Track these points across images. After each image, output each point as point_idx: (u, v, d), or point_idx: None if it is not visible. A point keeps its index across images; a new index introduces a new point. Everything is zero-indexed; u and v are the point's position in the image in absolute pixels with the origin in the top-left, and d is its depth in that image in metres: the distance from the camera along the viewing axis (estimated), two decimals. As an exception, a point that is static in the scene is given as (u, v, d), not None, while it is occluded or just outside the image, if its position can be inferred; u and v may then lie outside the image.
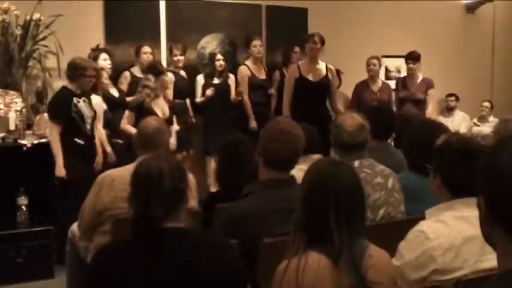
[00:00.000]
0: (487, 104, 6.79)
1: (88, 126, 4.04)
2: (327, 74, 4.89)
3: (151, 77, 4.37)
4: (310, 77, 4.83)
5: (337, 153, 2.52)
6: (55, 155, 3.89)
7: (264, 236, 1.96)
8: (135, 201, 1.67)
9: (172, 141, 4.37)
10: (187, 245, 1.64)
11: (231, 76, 5.44)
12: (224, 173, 2.66)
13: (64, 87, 4.01)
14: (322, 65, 4.91)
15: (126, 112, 4.34)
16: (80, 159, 3.95)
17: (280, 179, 2.16)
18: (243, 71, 5.48)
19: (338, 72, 5.94)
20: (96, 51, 4.71)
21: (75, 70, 3.96)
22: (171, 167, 1.67)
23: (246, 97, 5.43)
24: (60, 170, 3.87)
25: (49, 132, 3.99)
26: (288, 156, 2.15)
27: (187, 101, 5.33)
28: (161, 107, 4.44)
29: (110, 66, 4.70)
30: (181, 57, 5.24)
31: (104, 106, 4.48)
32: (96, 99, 4.32)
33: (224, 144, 2.79)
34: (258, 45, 5.47)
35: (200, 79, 5.36)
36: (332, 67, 4.99)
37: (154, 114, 4.12)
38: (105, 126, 4.49)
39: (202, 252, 1.64)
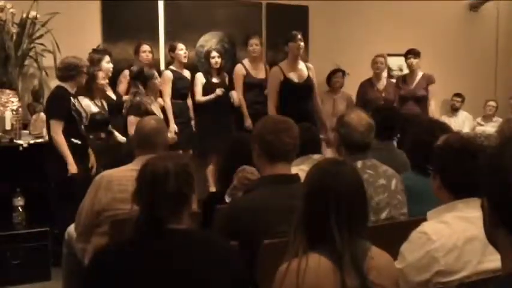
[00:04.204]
0: (492, 103, 6.73)
1: (83, 126, 4.02)
2: (309, 74, 4.85)
3: (139, 84, 4.36)
4: (295, 79, 4.79)
5: (342, 151, 2.50)
6: (63, 152, 3.80)
7: (266, 232, 1.94)
8: (140, 200, 1.67)
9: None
10: (188, 246, 1.64)
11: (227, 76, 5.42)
12: (227, 172, 2.61)
13: (60, 87, 3.96)
14: (302, 65, 4.86)
15: (133, 118, 4.19)
16: (77, 159, 3.90)
17: (283, 174, 2.14)
18: (238, 70, 5.44)
19: (343, 73, 5.92)
20: (99, 53, 4.62)
21: (71, 70, 3.93)
22: (177, 168, 1.66)
23: (240, 96, 5.37)
24: (73, 167, 3.80)
25: (52, 131, 3.90)
26: (289, 143, 2.14)
27: (189, 101, 5.30)
28: (156, 109, 4.44)
29: (111, 69, 4.66)
30: (186, 52, 5.18)
31: (94, 109, 4.35)
32: (85, 101, 4.25)
33: (229, 143, 2.75)
34: (254, 44, 5.41)
35: (200, 77, 5.32)
36: (311, 66, 4.95)
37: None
38: (100, 128, 4.41)
39: (203, 253, 1.64)
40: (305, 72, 4.85)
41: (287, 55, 4.84)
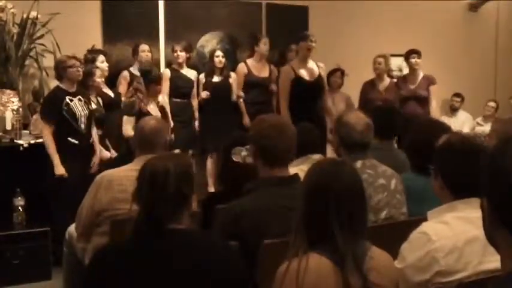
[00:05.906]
0: (492, 104, 6.71)
1: (82, 126, 4.01)
2: (320, 73, 4.85)
3: (143, 82, 4.41)
4: (306, 77, 4.79)
5: (342, 152, 2.49)
6: (50, 154, 3.86)
7: (266, 233, 1.93)
8: (140, 200, 1.66)
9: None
10: (188, 246, 1.63)
11: (233, 75, 5.39)
12: (229, 172, 2.60)
13: (57, 87, 4.01)
14: (312, 64, 4.87)
15: (125, 118, 4.34)
16: (74, 158, 3.92)
17: (281, 176, 2.13)
18: (240, 68, 5.45)
19: (342, 73, 5.91)
20: (93, 53, 4.66)
21: (57, 67, 3.98)
22: (177, 168, 1.66)
23: (240, 94, 5.39)
24: (58, 168, 3.84)
25: (41, 131, 3.99)
26: (284, 148, 2.13)
27: (194, 102, 5.30)
28: (154, 110, 4.44)
29: (107, 68, 4.67)
30: (181, 53, 5.18)
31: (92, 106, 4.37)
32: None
33: (228, 143, 2.75)
34: (267, 43, 5.44)
35: (201, 78, 5.32)
36: (322, 65, 4.95)
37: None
38: (98, 126, 4.41)
39: (203, 253, 1.63)
40: (316, 71, 4.86)
41: (294, 54, 4.85)
